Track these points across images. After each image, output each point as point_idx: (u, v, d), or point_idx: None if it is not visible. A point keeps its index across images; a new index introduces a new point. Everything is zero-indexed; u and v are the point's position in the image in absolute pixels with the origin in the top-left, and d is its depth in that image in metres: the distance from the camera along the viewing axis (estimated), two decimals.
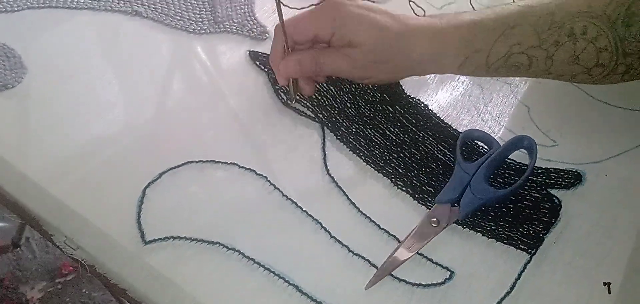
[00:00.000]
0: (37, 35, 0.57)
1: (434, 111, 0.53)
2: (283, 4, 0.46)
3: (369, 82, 0.52)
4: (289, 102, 0.52)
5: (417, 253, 0.42)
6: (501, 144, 0.48)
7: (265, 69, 0.56)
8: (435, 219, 0.43)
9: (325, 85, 0.54)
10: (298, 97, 0.52)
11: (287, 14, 0.47)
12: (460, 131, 0.51)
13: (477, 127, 0.52)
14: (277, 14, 0.46)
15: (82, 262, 0.42)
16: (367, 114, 0.52)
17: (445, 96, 0.55)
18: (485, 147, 0.49)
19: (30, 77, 0.52)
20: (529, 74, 0.47)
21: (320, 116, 0.51)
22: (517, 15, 0.46)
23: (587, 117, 0.54)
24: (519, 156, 0.49)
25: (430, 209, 0.45)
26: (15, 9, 0.59)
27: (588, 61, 0.45)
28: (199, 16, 0.61)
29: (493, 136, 0.50)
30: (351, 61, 0.47)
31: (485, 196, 0.44)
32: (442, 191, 0.45)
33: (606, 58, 0.44)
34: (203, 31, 0.60)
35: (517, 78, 0.57)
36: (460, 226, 0.44)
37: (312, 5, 0.59)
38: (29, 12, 0.59)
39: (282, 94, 0.54)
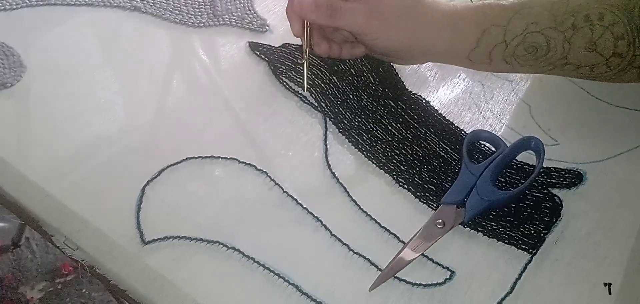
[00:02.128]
0: (36, 34, 0.57)
1: (436, 108, 0.53)
2: None
3: (380, 44, 0.49)
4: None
5: (422, 254, 0.41)
6: (507, 145, 0.48)
7: (266, 58, 0.56)
8: (440, 221, 0.43)
9: (327, 74, 0.53)
10: (311, 55, 0.50)
11: None
12: (461, 128, 0.51)
13: (478, 125, 0.52)
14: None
15: (82, 262, 0.42)
16: (369, 108, 0.51)
17: (446, 93, 0.55)
18: (492, 148, 0.49)
19: (29, 75, 0.52)
20: (548, 62, 0.47)
21: (323, 104, 0.51)
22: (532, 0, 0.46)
23: (588, 117, 0.54)
24: (523, 155, 0.48)
25: (435, 209, 0.45)
26: (14, 7, 0.58)
27: (606, 49, 0.45)
28: (198, 10, 0.61)
29: (496, 134, 0.50)
30: (367, 11, 0.47)
31: (492, 198, 0.44)
32: (447, 192, 0.44)
33: (623, 47, 0.44)
34: (202, 25, 0.59)
35: (518, 75, 0.57)
36: (461, 226, 0.44)
37: None
38: (27, 10, 0.59)
39: (284, 78, 0.54)
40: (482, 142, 0.50)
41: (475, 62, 0.49)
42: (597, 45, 0.45)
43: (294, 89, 0.53)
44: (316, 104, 0.52)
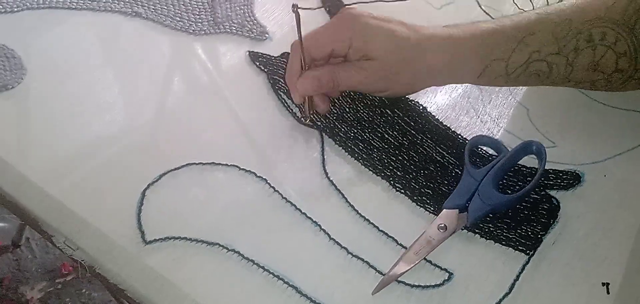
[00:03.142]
0: (37, 36, 0.57)
1: (433, 113, 0.53)
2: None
3: (386, 95, 0.51)
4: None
5: (425, 258, 0.41)
6: (508, 149, 0.48)
7: (265, 70, 0.56)
8: (443, 225, 0.43)
9: None
10: (313, 116, 0.51)
11: (304, 28, 0.46)
12: (459, 132, 0.51)
13: (476, 129, 0.52)
14: (290, 27, 0.46)
15: (82, 262, 0.42)
16: (365, 118, 0.51)
17: (443, 98, 0.55)
18: (493, 152, 0.49)
19: (30, 77, 0.53)
20: (549, 82, 0.47)
21: (319, 123, 0.51)
22: (535, 22, 0.45)
23: (585, 118, 0.54)
24: (524, 159, 0.48)
25: (432, 213, 0.45)
26: (15, 9, 0.59)
27: (608, 67, 0.45)
28: (198, 17, 0.61)
29: (497, 138, 0.50)
30: (368, 74, 0.47)
31: (494, 202, 0.44)
32: (450, 197, 0.44)
33: (625, 63, 0.44)
34: (203, 32, 0.60)
35: None
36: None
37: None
38: (28, 12, 0.59)
39: (282, 94, 0.54)
40: (483, 148, 0.50)
41: (476, 85, 0.50)
42: (599, 65, 0.45)
43: (291, 109, 0.53)
44: (311, 124, 0.51)
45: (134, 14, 0.60)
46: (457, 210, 0.44)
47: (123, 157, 0.47)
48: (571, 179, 0.48)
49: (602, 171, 0.49)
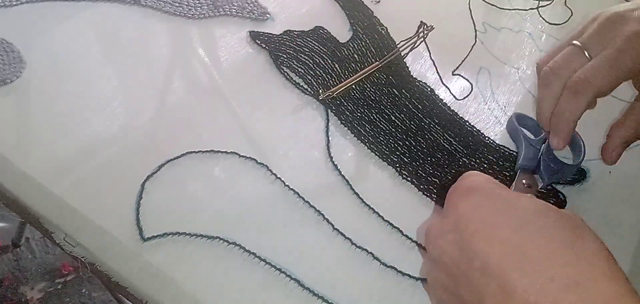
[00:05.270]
0: (36, 30, 0.56)
1: (440, 98, 0.52)
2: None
3: None
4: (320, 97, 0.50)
5: None
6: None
7: (266, 47, 0.55)
8: (525, 182, 0.43)
9: (330, 62, 0.53)
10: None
11: (314, 20, 0.46)
12: (466, 119, 0.51)
13: (483, 116, 0.52)
14: (292, 5, 0.45)
15: (82, 260, 0.41)
16: (372, 98, 0.51)
17: (451, 83, 0.54)
18: (531, 135, 0.49)
19: (29, 71, 0.52)
20: None
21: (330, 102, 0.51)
22: None
23: (593, 112, 0.53)
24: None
25: (443, 205, 0.44)
26: (14, 3, 0.58)
27: None
28: (197, 1, 0.60)
29: (497, 126, 0.49)
30: None
31: (559, 165, 0.43)
32: (521, 159, 0.44)
33: None
34: (202, 16, 0.59)
35: (525, 64, 0.57)
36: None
37: None
38: (27, 6, 0.58)
39: (284, 68, 0.53)
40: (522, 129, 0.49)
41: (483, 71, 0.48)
42: None
43: (294, 81, 0.52)
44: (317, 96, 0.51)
45: (133, 2, 0.59)
46: (531, 171, 0.44)
47: (124, 151, 0.46)
48: (577, 174, 0.47)
49: (608, 167, 0.48)
